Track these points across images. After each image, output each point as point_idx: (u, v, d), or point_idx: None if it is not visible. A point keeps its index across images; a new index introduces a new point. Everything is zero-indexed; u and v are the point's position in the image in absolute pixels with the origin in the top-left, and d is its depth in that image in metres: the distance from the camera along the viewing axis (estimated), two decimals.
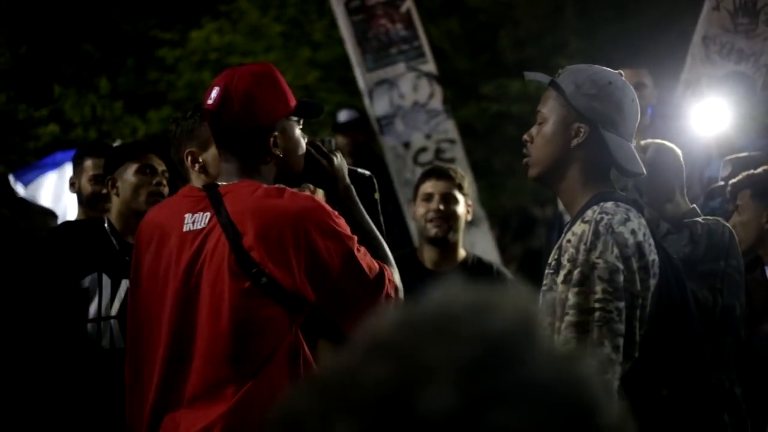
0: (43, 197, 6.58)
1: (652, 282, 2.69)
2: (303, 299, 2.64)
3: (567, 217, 2.95)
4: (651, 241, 2.73)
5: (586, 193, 2.78)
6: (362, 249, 2.71)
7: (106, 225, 3.78)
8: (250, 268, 2.60)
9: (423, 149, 6.54)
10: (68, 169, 6.13)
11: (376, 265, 2.73)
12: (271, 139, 2.75)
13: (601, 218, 2.67)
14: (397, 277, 2.79)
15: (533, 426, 0.81)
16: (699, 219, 3.60)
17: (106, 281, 3.67)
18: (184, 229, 2.72)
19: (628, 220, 2.69)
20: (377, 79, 6.58)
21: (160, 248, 2.76)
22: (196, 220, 2.71)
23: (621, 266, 2.64)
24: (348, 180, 2.91)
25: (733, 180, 4.06)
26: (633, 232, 2.68)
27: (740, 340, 3.49)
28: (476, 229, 6.35)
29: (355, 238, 2.71)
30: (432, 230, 4.46)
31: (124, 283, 3.60)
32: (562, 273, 2.68)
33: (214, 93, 2.74)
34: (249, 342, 2.64)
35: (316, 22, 10.93)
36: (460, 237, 4.53)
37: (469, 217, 4.62)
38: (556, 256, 2.74)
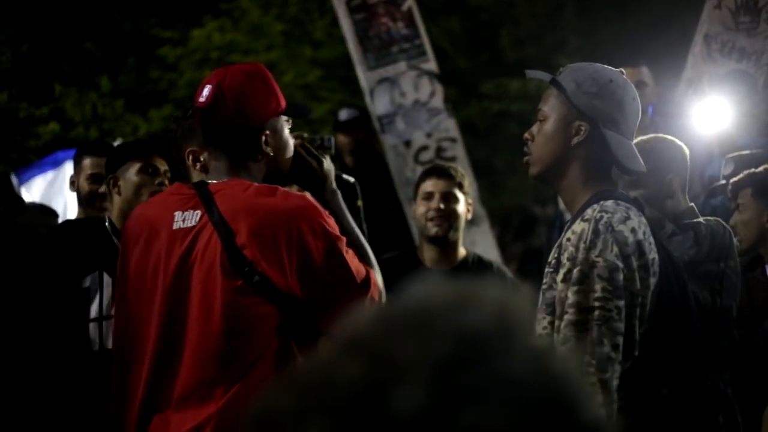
0: (33, 197, 6.54)
1: (652, 280, 2.69)
2: (294, 298, 2.64)
3: (568, 216, 2.94)
4: (651, 239, 2.73)
5: (587, 191, 2.78)
6: (350, 251, 2.72)
7: (107, 224, 3.78)
8: (242, 266, 2.59)
9: (424, 148, 6.54)
10: (67, 169, 6.13)
11: (363, 267, 2.74)
12: (263, 138, 2.75)
13: (601, 216, 2.67)
14: (380, 281, 2.80)
15: (506, 423, 0.79)
16: (701, 220, 3.59)
17: (107, 280, 3.65)
18: (174, 227, 2.71)
19: (628, 218, 2.69)
20: (378, 77, 6.58)
21: (149, 245, 2.75)
22: (186, 218, 2.70)
23: (621, 265, 2.63)
24: (335, 183, 2.91)
25: (734, 179, 4.05)
26: (633, 230, 2.67)
27: (734, 342, 3.48)
28: (477, 228, 6.35)
29: (345, 239, 2.71)
30: (432, 229, 4.46)
31: None
32: (562, 271, 2.68)
33: (206, 91, 2.73)
34: (239, 341, 2.63)
35: (318, 21, 10.91)
36: (461, 236, 4.53)
37: (470, 216, 4.62)
38: (556, 255, 2.74)
